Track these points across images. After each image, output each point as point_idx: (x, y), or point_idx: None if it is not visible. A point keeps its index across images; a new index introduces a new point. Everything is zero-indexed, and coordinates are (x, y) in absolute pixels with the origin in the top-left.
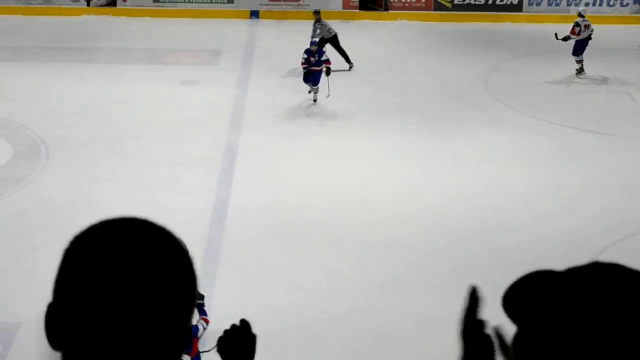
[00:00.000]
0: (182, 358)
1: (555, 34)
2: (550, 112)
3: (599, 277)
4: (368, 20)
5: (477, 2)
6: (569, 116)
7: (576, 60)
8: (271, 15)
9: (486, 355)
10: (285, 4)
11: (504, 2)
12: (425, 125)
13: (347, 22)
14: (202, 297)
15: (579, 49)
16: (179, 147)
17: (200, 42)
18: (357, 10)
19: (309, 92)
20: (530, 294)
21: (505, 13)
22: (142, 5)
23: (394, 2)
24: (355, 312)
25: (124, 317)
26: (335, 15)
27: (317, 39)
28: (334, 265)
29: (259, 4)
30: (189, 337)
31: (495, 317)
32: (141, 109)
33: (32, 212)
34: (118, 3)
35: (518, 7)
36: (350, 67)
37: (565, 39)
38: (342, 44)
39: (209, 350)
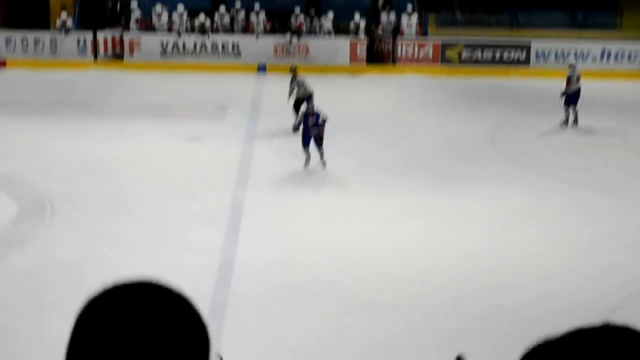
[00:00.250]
0: None
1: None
2: (557, 169)
3: (611, 341)
4: (375, 74)
5: (484, 57)
6: (576, 173)
7: (566, 110)
8: (278, 70)
9: None
10: (292, 58)
11: (511, 57)
12: (432, 183)
13: (354, 76)
14: (220, 358)
15: (569, 100)
16: (184, 204)
17: (207, 96)
18: (365, 64)
19: (316, 160)
20: None
21: (513, 68)
22: (149, 60)
23: (401, 56)
24: None
25: None
26: (342, 69)
27: (297, 100)
28: (339, 325)
29: (266, 58)
30: None
31: None
32: (147, 165)
33: (38, 272)
34: (125, 57)
35: (525, 62)
36: (294, 131)
37: (564, 94)
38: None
39: None
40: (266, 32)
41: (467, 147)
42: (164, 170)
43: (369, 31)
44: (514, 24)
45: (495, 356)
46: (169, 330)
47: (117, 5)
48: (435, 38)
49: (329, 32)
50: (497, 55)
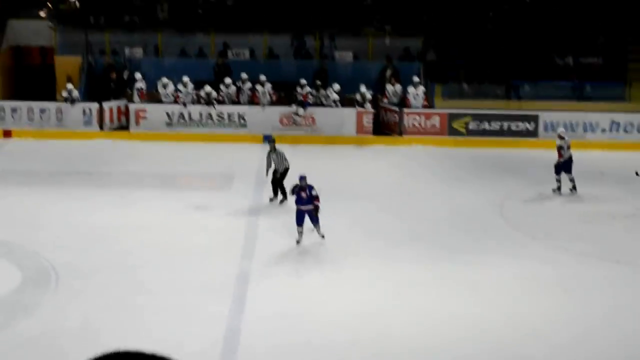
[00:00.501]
0: None
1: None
2: (567, 240)
3: None
4: (382, 145)
5: (492, 128)
6: (586, 245)
7: (557, 180)
8: (284, 140)
9: None
10: (298, 129)
11: (519, 128)
12: (439, 255)
13: (361, 147)
14: None
15: (562, 168)
16: (189, 274)
17: (213, 166)
18: (371, 135)
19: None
20: None
21: (521, 139)
22: (155, 130)
23: (408, 127)
24: None
25: None
26: (349, 141)
27: (275, 173)
28: None
29: (272, 129)
30: None
31: None
32: (152, 235)
33: (41, 341)
34: (131, 127)
35: (533, 133)
36: (281, 202)
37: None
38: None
39: None
40: (272, 103)
41: (475, 218)
42: (169, 240)
43: (375, 102)
44: (521, 95)
45: None
46: None
47: (122, 75)
48: (442, 109)
49: (336, 103)
50: (505, 126)
